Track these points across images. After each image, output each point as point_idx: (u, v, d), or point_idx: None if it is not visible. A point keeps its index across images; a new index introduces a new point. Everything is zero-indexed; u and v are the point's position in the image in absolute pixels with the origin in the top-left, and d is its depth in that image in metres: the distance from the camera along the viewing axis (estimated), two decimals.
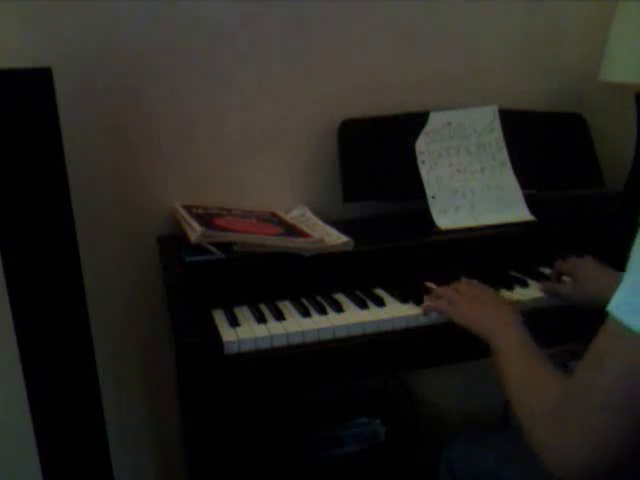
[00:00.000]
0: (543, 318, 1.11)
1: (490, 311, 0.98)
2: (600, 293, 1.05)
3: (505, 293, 1.14)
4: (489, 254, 1.24)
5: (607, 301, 0.98)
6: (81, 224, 1.04)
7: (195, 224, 1.14)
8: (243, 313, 1.09)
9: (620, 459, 0.62)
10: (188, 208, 1.25)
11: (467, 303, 1.02)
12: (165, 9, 1.24)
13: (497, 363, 0.87)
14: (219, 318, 1.07)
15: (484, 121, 1.37)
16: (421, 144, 1.34)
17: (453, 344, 1.07)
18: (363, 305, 1.10)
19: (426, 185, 1.32)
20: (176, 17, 1.25)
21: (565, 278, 1.14)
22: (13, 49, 1.17)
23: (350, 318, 1.06)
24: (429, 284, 1.18)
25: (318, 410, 1.43)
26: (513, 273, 1.22)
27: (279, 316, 1.06)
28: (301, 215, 1.35)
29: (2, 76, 0.90)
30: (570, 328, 1.14)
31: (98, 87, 1.24)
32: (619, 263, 1.01)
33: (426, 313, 1.06)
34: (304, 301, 1.13)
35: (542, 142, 1.42)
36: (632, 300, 0.62)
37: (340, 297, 1.15)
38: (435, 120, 1.36)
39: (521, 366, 0.82)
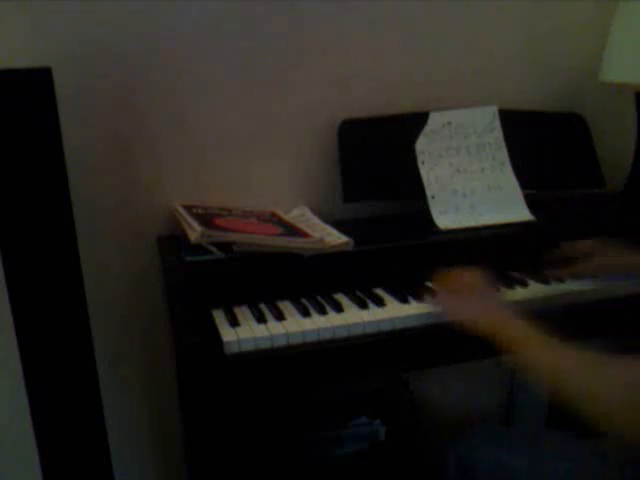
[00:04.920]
0: (543, 318, 1.12)
1: (496, 309, 0.98)
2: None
3: (505, 293, 1.14)
4: (489, 254, 1.24)
5: None
6: (81, 224, 1.04)
7: (195, 224, 1.14)
8: (243, 313, 1.09)
9: None
10: (188, 208, 1.25)
11: (477, 302, 1.01)
12: (165, 9, 1.24)
13: (532, 361, 0.87)
14: (219, 318, 1.07)
15: (484, 121, 1.37)
16: (421, 144, 1.34)
17: (453, 344, 1.07)
18: (363, 305, 1.10)
19: (426, 185, 1.32)
20: (176, 17, 1.25)
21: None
22: (13, 49, 1.17)
23: (350, 318, 1.06)
24: (429, 284, 1.18)
25: (318, 410, 1.42)
26: (513, 273, 1.22)
27: (279, 316, 1.06)
28: (301, 215, 1.35)
29: (2, 76, 0.90)
30: (570, 328, 1.14)
31: (98, 87, 1.24)
32: None
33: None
34: (304, 301, 1.12)
35: (542, 142, 1.42)
36: None
37: (340, 297, 1.14)
38: (435, 120, 1.36)
39: (568, 358, 0.82)
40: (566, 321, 1.07)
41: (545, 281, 1.18)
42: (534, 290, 1.16)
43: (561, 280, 1.17)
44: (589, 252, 1.15)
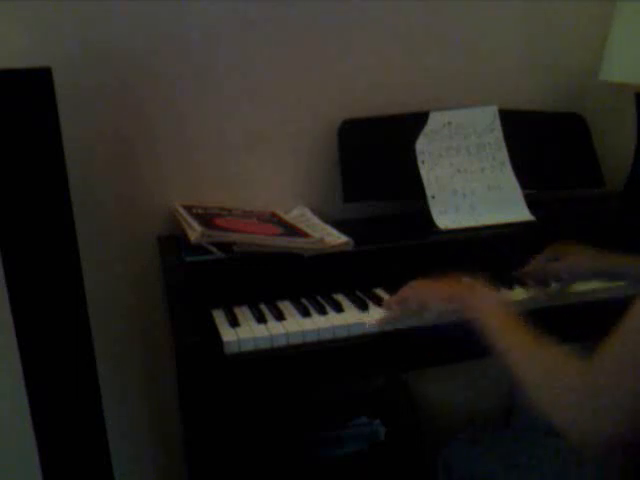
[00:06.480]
0: (542, 318, 1.11)
1: (470, 291, 0.95)
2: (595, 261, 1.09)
3: (506, 293, 1.14)
4: (489, 254, 1.24)
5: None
6: (81, 224, 1.04)
7: (195, 224, 1.14)
8: (243, 313, 1.09)
9: None
10: (188, 208, 1.25)
11: (441, 285, 0.99)
12: (165, 10, 1.24)
13: (492, 340, 0.84)
14: (219, 318, 1.07)
15: (484, 121, 1.37)
16: (421, 144, 1.34)
17: (453, 344, 1.07)
18: (363, 305, 1.10)
19: (426, 185, 1.32)
20: (176, 17, 1.25)
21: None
22: (13, 49, 1.17)
23: (350, 318, 1.06)
24: None
25: (318, 410, 1.42)
26: (513, 273, 1.22)
27: (279, 316, 1.06)
28: (301, 215, 1.35)
29: (2, 76, 0.90)
30: (569, 327, 1.14)
31: (98, 87, 1.24)
32: None
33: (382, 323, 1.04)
34: (304, 301, 1.12)
35: (542, 142, 1.42)
36: None
37: (340, 297, 1.15)
38: (435, 120, 1.36)
39: (524, 344, 0.80)
40: None
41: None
42: (534, 290, 1.16)
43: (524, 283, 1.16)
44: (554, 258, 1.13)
